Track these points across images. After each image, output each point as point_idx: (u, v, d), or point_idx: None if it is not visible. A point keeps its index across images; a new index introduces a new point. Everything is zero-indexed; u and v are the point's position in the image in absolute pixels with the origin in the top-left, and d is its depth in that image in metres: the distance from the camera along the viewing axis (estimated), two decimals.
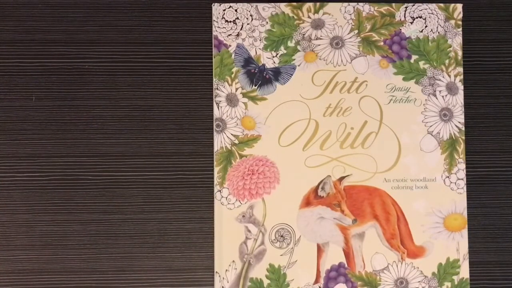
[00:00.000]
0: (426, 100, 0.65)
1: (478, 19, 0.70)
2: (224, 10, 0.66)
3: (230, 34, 0.65)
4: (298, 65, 0.65)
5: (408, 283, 0.64)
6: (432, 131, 0.65)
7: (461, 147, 0.65)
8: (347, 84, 0.65)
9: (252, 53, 0.65)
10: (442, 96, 0.65)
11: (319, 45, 0.65)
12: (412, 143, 0.65)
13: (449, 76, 0.66)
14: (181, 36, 0.69)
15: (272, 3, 0.66)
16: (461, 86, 0.66)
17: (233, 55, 0.65)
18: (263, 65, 0.65)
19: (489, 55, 0.70)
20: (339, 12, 0.66)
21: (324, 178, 0.64)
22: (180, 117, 0.69)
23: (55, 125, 0.68)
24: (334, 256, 0.64)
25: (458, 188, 0.65)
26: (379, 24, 0.66)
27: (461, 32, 0.66)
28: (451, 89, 0.66)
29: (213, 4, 0.66)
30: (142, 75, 0.69)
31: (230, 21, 0.66)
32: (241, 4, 0.66)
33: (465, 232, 0.65)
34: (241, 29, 0.65)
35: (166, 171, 0.68)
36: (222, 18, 0.65)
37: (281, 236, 0.64)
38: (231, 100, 0.65)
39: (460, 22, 0.66)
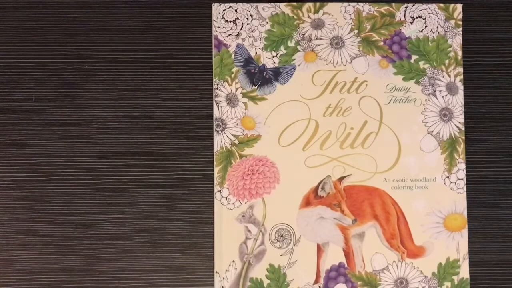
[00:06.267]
0: (426, 100, 0.65)
1: (478, 19, 0.70)
2: (224, 10, 0.66)
3: (230, 34, 0.65)
4: (298, 65, 0.65)
5: (408, 283, 0.64)
6: (432, 131, 0.65)
7: (461, 147, 0.65)
8: (347, 84, 0.65)
9: (252, 53, 0.65)
10: (442, 96, 0.66)
11: (319, 45, 0.65)
12: (412, 143, 0.65)
13: (449, 76, 0.66)
14: (181, 36, 0.69)
15: (272, 3, 0.66)
16: (461, 86, 0.66)
17: (233, 55, 0.65)
18: (263, 65, 0.65)
19: (489, 55, 0.70)
20: (339, 12, 0.66)
21: (324, 178, 0.64)
22: (180, 117, 0.69)
23: (55, 125, 0.68)
24: (334, 256, 0.64)
25: (458, 188, 0.65)
26: (379, 24, 0.66)
27: (461, 32, 0.66)
28: (451, 89, 0.66)
29: (213, 4, 0.66)
30: (142, 75, 0.69)
31: (230, 21, 0.66)
32: (241, 4, 0.66)
33: (465, 232, 0.65)
34: (241, 29, 0.65)
35: (166, 171, 0.68)
36: (222, 18, 0.65)
37: (281, 236, 0.64)
38: (231, 100, 0.65)
39: (460, 22, 0.66)
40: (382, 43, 0.66)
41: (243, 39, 0.65)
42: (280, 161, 0.64)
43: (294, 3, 0.66)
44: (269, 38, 0.65)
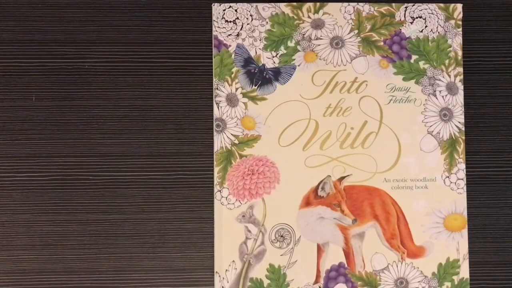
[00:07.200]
0: (426, 100, 0.65)
1: (478, 19, 0.70)
2: (224, 10, 0.66)
3: (230, 34, 0.65)
4: (298, 65, 0.65)
5: (408, 283, 0.64)
6: (432, 131, 0.65)
7: (461, 147, 0.65)
8: (347, 84, 0.65)
9: (252, 53, 0.65)
10: (442, 96, 0.66)
11: (319, 45, 0.65)
12: (412, 143, 0.65)
13: (449, 76, 0.66)
14: (181, 36, 0.69)
15: (272, 3, 0.66)
16: (461, 86, 0.66)
17: (233, 55, 0.65)
18: (263, 65, 0.65)
19: (489, 55, 0.70)
20: (339, 12, 0.66)
21: (324, 178, 0.64)
22: (180, 117, 0.69)
23: (55, 125, 0.68)
24: (334, 256, 0.64)
25: (458, 188, 0.65)
26: (379, 24, 0.66)
27: (461, 32, 0.66)
28: (451, 89, 0.66)
29: (213, 4, 0.66)
30: (142, 75, 0.69)
31: (230, 21, 0.66)
32: (241, 4, 0.66)
33: (465, 232, 0.65)
34: (241, 29, 0.65)
35: (166, 171, 0.68)
36: (222, 18, 0.66)
37: (281, 236, 0.64)
38: (231, 100, 0.65)
39: (460, 22, 0.66)
40: (382, 43, 0.66)
41: (243, 39, 0.65)
42: (280, 161, 0.64)
43: (294, 3, 0.66)
44: (269, 38, 0.65)
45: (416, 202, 0.65)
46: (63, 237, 0.68)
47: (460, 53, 0.66)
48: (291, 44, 0.65)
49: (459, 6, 0.66)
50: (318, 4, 0.66)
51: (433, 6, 0.66)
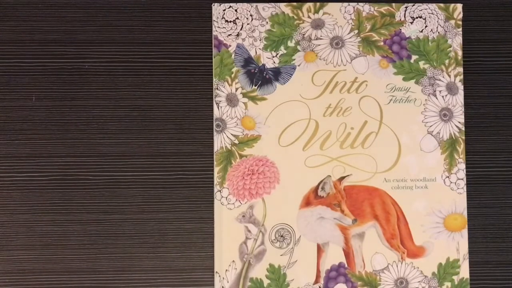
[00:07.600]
0: (426, 100, 0.65)
1: (478, 19, 0.70)
2: (224, 10, 0.66)
3: (230, 34, 0.65)
4: (298, 65, 0.65)
5: (408, 283, 0.64)
6: (432, 131, 0.65)
7: (461, 147, 0.65)
8: (347, 84, 0.65)
9: (252, 53, 0.65)
10: (442, 96, 0.66)
11: (319, 45, 0.65)
12: (412, 143, 0.65)
13: (449, 76, 0.66)
14: (181, 36, 0.69)
15: (272, 3, 0.66)
16: (461, 86, 0.66)
17: (233, 55, 0.65)
18: (263, 65, 0.65)
19: (489, 55, 0.70)
20: (339, 12, 0.66)
21: (324, 178, 0.64)
22: (180, 117, 0.69)
23: (55, 125, 0.68)
24: (334, 256, 0.64)
25: (458, 188, 0.65)
26: (379, 24, 0.66)
27: (461, 32, 0.66)
28: (451, 89, 0.66)
29: (213, 4, 0.66)
30: (142, 75, 0.69)
31: (230, 21, 0.66)
32: (241, 4, 0.66)
33: (465, 232, 0.65)
34: (241, 29, 0.65)
35: (166, 171, 0.68)
36: (222, 18, 0.66)
37: (281, 236, 0.64)
38: (231, 100, 0.65)
39: (460, 22, 0.66)
40: (382, 43, 0.66)
41: (243, 39, 0.65)
42: (280, 161, 0.64)
43: (294, 3, 0.66)
44: (269, 38, 0.65)
45: (416, 202, 0.65)
46: (63, 237, 0.68)
47: (460, 53, 0.66)
48: (291, 44, 0.65)
49: (459, 6, 0.66)
50: (318, 4, 0.66)
51: (433, 6, 0.66)
